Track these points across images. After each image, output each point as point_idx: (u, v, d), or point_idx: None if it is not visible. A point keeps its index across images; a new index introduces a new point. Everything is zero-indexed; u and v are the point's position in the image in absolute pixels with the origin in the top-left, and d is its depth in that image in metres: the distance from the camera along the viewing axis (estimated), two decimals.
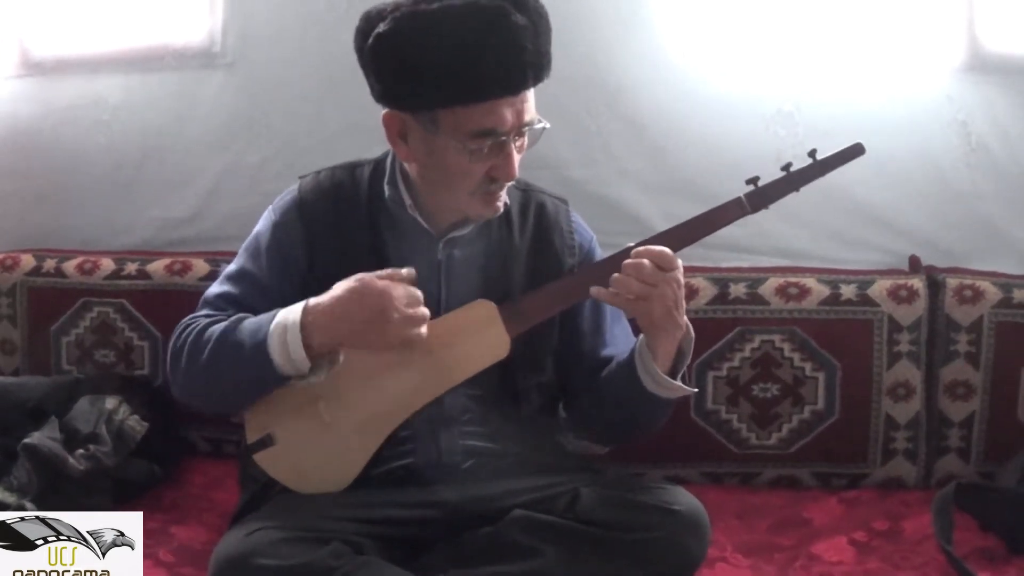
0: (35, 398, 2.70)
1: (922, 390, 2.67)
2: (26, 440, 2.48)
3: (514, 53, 1.95)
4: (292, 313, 2.02)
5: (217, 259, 2.82)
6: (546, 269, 2.25)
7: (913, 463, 2.69)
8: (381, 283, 2.00)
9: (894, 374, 2.66)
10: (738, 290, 2.70)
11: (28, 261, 3.05)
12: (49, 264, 3.02)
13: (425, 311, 2.02)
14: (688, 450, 2.72)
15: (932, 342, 2.68)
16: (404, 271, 2.03)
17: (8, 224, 3.24)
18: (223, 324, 2.10)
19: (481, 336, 2.11)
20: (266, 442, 2.11)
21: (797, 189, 2.11)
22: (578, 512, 2.06)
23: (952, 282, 2.68)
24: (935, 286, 2.69)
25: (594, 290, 2.04)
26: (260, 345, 2.02)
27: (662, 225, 2.60)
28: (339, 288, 2.02)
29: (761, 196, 2.11)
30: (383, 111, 2.09)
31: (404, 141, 2.10)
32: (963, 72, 2.81)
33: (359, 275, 2.02)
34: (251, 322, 2.07)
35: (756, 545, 2.44)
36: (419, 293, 2.03)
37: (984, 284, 2.67)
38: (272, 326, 2.02)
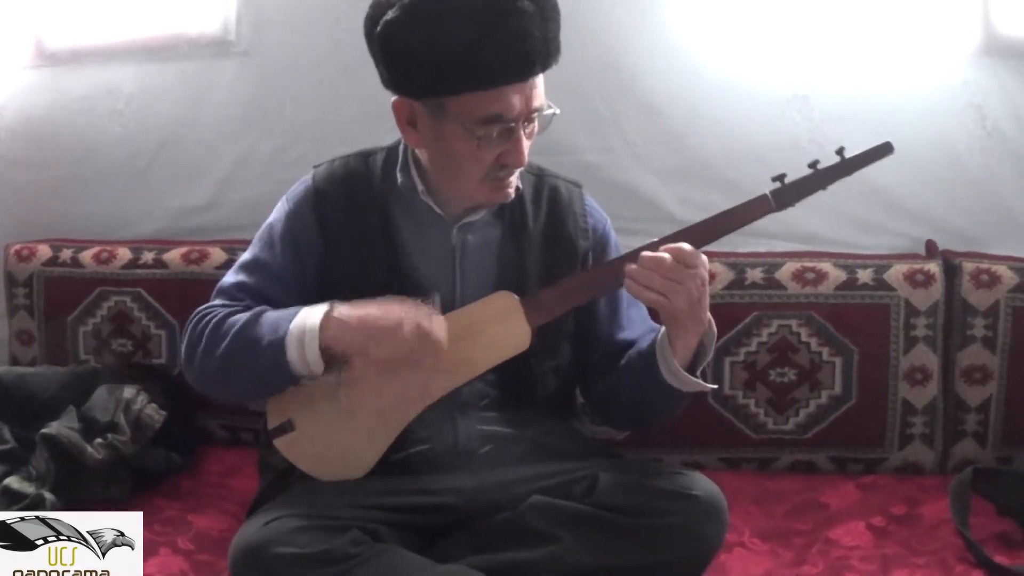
0: (53, 388, 2.71)
1: (939, 375, 2.67)
2: (44, 430, 2.49)
3: (520, 40, 1.95)
4: (313, 315, 2.05)
5: (233, 247, 2.83)
6: (560, 253, 2.25)
7: (930, 448, 2.69)
8: (403, 307, 2.03)
9: (911, 359, 2.65)
10: (755, 275, 2.69)
11: (44, 251, 3.06)
12: (65, 254, 3.03)
13: (441, 328, 2.04)
14: (705, 435, 2.72)
15: (949, 326, 2.67)
16: (432, 300, 2.06)
17: (24, 214, 3.25)
18: (244, 316, 2.11)
19: (503, 328, 2.12)
20: (286, 428, 2.13)
21: (824, 187, 2.08)
22: (596, 498, 2.07)
23: (968, 266, 2.67)
24: (952, 270, 2.68)
25: (625, 281, 2.03)
26: (278, 342, 2.04)
27: (678, 210, 2.62)
28: (363, 303, 2.05)
29: (787, 193, 2.08)
30: (393, 98, 2.09)
31: (414, 128, 2.10)
32: (978, 56, 2.79)
33: (387, 299, 2.05)
34: (271, 317, 2.09)
35: (773, 530, 2.45)
36: (439, 318, 2.05)
37: (1000, 268, 2.66)
38: (292, 325, 2.04)
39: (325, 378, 2.08)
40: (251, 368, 2.09)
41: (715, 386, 2.20)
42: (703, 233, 2.08)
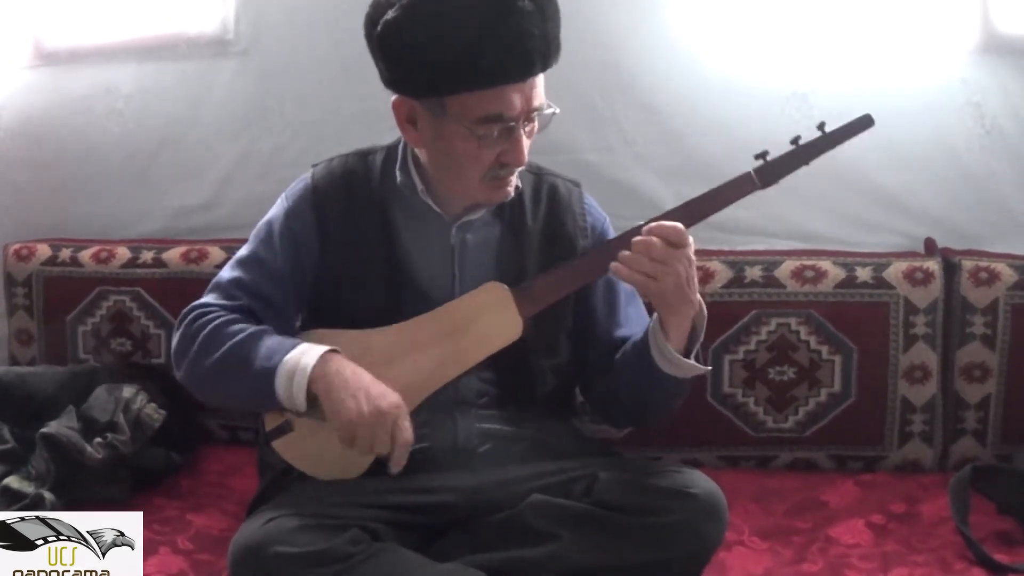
0: (52, 388, 2.71)
1: (938, 372, 2.67)
2: (44, 429, 2.49)
3: (521, 39, 1.95)
4: (309, 356, 2.04)
5: (233, 246, 2.79)
6: (559, 251, 2.25)
7: (930, 446, 2.69)
8: (392, 402, 2.02)
9: (910, 357, 2.66)
10: (754, 273, 2.69)
11: (44, 251, 3.06)
12: (65, 254, 3.03)
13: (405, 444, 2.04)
14: (705, 434, 2.72)
15: (948, 324, 2.67)
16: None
17: (23, 214, 3.25)
18: (244, 331, 2.10)
19: (494, 318, 2.12)
20: (284, 429, 2.12)
21: (807, 162, 2.08)
22: (595, 496, 2.06)
23: (968, 264, 2.67)
24: (951, 268, 2.68)
25: (613, 266, 2.02)
26: (269, 371, 2.04)
27: None
28: (366, 388, 2.02)
29: (771, 170, 2.08)
30: (393, 97, 2.09)
31: (413, 127, 2.10)
32: (977, 54, 2.80)
33: (396, 406, 2.03)
34: (268, 344, 2.08)
35: (773, 528, 2.45)
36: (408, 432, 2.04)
37: (1000, 266, 2.66)
38: (287, 358, 2.04)
39: (303, 417, 2.09)
40: (238, 385, 2.10)
41: (710, 367, 2.18)
42: (690, 214, 2.08)
